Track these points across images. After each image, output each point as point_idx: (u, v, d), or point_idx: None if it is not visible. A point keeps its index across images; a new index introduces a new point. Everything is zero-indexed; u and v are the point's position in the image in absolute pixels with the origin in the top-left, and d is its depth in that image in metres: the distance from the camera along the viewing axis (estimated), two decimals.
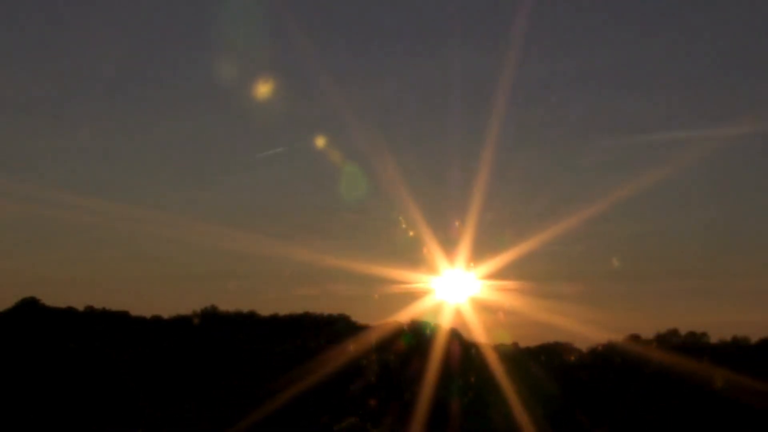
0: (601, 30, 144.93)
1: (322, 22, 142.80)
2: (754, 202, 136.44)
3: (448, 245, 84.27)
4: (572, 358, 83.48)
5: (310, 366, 71.09)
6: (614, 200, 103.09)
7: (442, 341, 71.40)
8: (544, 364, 77.77)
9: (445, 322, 78.75)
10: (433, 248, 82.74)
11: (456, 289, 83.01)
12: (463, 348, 71.97)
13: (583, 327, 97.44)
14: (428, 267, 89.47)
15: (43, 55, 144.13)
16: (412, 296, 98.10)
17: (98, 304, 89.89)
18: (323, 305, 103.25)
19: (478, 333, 74.57)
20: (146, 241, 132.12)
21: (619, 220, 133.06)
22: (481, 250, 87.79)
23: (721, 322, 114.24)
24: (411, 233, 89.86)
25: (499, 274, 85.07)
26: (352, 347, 73.28)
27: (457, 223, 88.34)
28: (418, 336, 74.08)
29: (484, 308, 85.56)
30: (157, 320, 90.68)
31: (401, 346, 73.74)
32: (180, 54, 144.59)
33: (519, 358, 71.73)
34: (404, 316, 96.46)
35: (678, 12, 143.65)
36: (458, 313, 79.96)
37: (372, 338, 73.85)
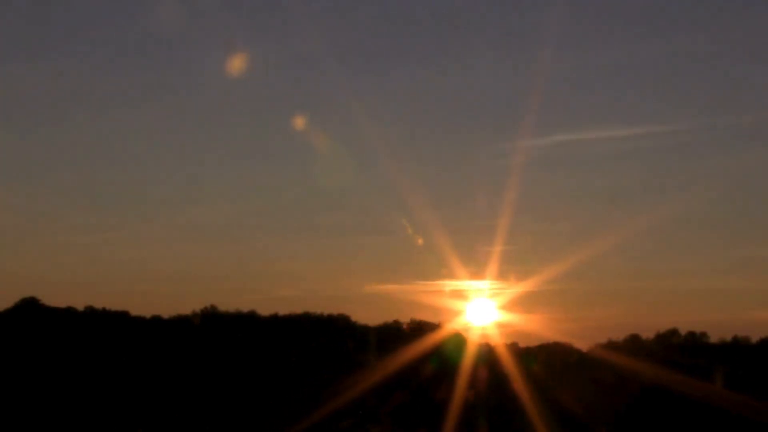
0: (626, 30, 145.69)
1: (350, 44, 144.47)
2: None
3: (471, 265, 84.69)
4: (573, 359, 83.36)
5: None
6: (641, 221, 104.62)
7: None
8: (545, 364, 77.77)
9: (471, 346, 79.08)
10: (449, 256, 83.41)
11: (481, 312, 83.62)
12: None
13: (584, 327, 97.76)
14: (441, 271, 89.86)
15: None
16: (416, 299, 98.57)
17: (98, 304, 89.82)
18: (324, 306, 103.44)
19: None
20: (146, 242, 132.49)
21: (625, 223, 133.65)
22: (505, 268, 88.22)
23: (721, 321, 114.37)
24: (420, 241, 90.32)
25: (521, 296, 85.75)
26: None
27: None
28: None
29: (509, 330, 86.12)
30: (157, 320, 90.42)
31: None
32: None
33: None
34: (405, 318, 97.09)
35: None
36: (484, 337, 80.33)
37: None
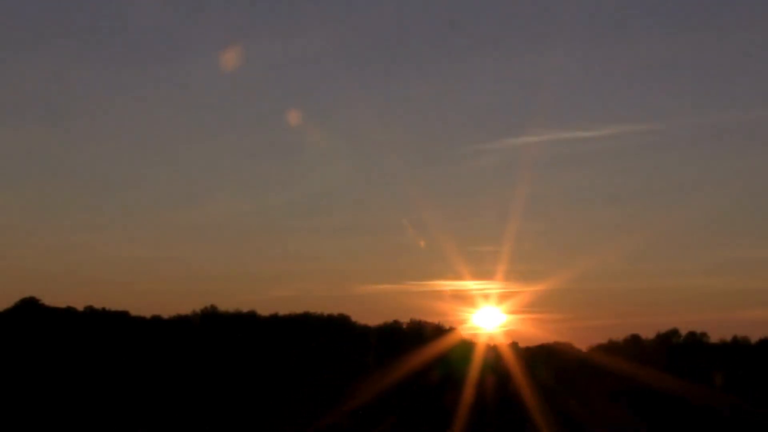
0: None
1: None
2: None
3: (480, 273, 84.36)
4: (573, 360, 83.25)
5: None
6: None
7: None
8: (545, 365, 77.70)
9: (471, 346, 78.98)
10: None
11: (481, 312, 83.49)
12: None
13: (584, 327, 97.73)
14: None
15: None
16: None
17: (98, 304, 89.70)
18: (323, 306, 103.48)
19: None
20: (146, 242, 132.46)
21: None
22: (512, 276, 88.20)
23: (720, 321, 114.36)
24: (422, 243, 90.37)
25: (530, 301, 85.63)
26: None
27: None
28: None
29: (508, 330, 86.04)
30: (157, 320, 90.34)
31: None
32: None
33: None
34: (404, 318, 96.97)
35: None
36: (491, 342, 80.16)
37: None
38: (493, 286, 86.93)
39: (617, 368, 73.58)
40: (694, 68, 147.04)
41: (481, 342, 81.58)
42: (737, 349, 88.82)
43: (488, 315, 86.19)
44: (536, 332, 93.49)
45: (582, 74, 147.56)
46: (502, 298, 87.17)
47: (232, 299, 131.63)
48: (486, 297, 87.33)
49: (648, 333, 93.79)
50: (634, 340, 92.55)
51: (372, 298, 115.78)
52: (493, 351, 79.20)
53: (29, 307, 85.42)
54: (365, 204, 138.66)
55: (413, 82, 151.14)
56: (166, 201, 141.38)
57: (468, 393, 67.76)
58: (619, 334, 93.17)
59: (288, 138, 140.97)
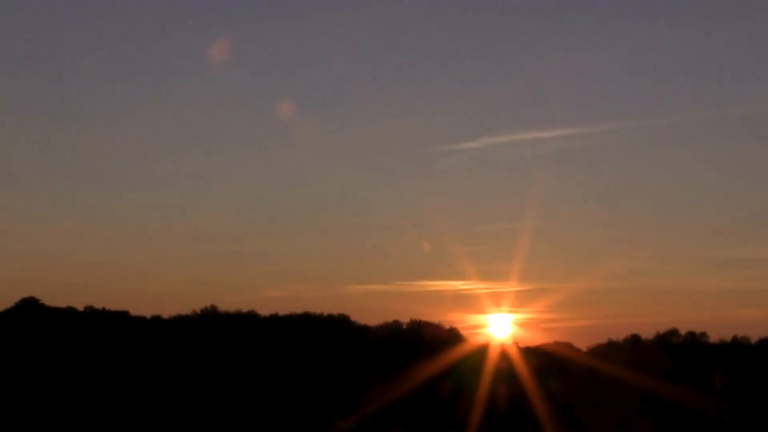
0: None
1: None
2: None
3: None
4: (572, 360, 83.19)
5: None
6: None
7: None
8: (544, 364, 77.64)
9: (471, 344, 78.90)
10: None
11: (487, 320, 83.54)
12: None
13: (584, 327, 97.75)
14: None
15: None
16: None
17: (98, 304, 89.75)
18: (323, 306, 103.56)
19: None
20: (146, 242, 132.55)
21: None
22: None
23: (720, 321, 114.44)
24: (426, 246, 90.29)
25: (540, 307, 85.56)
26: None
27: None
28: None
29: (508, 330, 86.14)
30: (157, 320, 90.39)
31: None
32: None
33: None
34: (404, 318, 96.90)
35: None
36: (503, 353, 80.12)
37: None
38: (492, 287, 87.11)
39: (621, 373, 73.22)
40: (695, 65, 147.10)
41: (480, 341, 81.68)
42: (737, 349, 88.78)
43: (488, 315, 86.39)
44: (535, 332, 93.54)
45: (581, 73, 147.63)
46: (502, 298, 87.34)
47: (232, 299, 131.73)
48: (486, 297, 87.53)
49: (648, 333, 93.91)
50: (634, 340, 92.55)
51: (371, 299, 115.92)
52: (494, 351, 79.13)
53: (29, 307, 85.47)
54: (364, 204, 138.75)
55: (412, 81, 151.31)
56: (165, 201, 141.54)
57: (475, 397, 67.77)
58: (619, 334, 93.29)
59: (288, 138, 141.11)
